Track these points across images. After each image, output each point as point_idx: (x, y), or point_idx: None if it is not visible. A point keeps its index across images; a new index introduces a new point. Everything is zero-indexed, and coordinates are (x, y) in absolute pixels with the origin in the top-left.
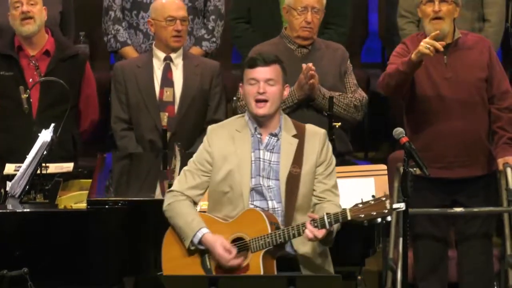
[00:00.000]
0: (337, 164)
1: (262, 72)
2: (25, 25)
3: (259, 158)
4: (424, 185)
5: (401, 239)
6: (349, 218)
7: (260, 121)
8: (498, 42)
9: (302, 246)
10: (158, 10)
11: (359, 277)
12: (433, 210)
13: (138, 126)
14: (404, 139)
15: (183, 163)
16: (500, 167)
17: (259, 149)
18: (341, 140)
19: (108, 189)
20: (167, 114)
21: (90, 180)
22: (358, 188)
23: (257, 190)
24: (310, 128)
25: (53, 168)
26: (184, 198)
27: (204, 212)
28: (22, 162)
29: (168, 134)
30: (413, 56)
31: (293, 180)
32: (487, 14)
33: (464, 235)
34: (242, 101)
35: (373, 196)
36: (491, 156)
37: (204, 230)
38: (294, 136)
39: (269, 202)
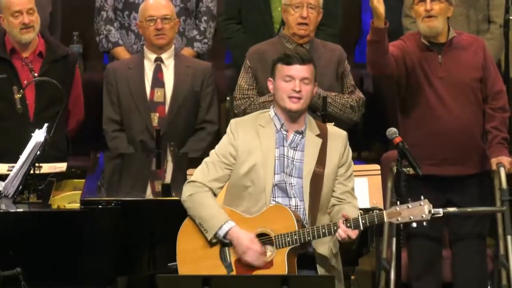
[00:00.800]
0: None
1: (298, 70)
2: (25, 34)
3: (284, 155)
4: (418, 184)
5: (394, 239)
6: (385, 220)
7: (290, 117)
8: (503, 44)
9: (320, 246)
10: (141, 12)
11: (352, 277)
12: None
13: (129, 127)
14: (398, 139)
15: (175, 164)
16: (494, 167)
17: (283, 146)
18: None
19: (101, 189)
20: (157, 114)
21: (83, 180)
22: None
23: (280, 187)
24: (332, 129)
25: (46, 168)
26: (206, 190)
27: None
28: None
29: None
30: (374, 20)
31: (317, 180)
32: (493, 16)
33: (458, 235)
34: (270, 96)
35: (409, 199)
36: (484, 155)
37: (231, 223)
38: (318, 135)
39: (292, 200)
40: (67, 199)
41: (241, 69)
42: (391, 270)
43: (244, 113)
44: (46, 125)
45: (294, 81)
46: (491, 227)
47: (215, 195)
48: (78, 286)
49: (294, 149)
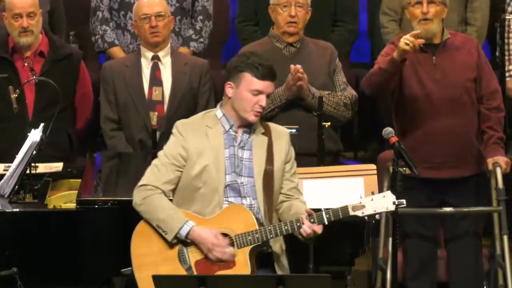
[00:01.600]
0: (327, 164)
1: (268, 87)
2: (23, 37)
3: (234, 155)
4: (414, 184)
5: (390, 239)
6: (350, 213)
7: (245, 122)
8: (480, 46)
9: (274, 243)
10: (135, 11)
11: (348, 277)
12: (423, 210)
13: (127, 126)
14: (394, 139)
15: None
16: (490, 167)
17: (234, 146)
18: (331, 140)
19: (97, 189)
20: (156, 113)
21: (80, 180)
22: (347, 188)
23: (232, 187)
24: (274, 126)
25: (42, 168)
26: (160, 192)
27: None
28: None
29: (158, 134)
30: (395, 54)
31: (268, 177)
32: (470, 18)
33: (453, 235)
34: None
35: (372, 192)
36: (480, 156)
37: (192, 223)
38: (263, 134)
39: (246, 199)
40: (63, 199)
41: None
42: (387, 270)
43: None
44: (42, 125)
45: (261, 96)
46: (487, 227)
47: (167, 197)
48: (74, 286)
49: (242, 149)
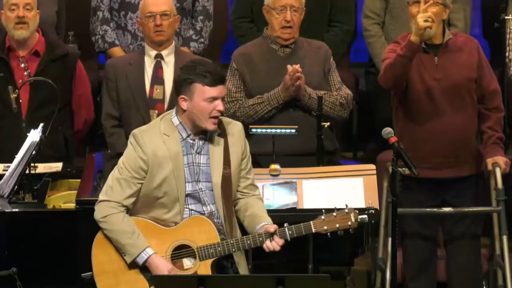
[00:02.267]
0: (326, 164)
1: (221, 90)
2: (18, 29)
3: (192, 162)
4: (413, 185)
5: (390, 239)
6: (313, 230)
7: (203, 130)
8: None
9: (236, 253)
10: (140, 9)
11: (348, 277)
12: (422, 210)
13: (128, 123)
14: (393, 139)
15: None
16: (489, 167)
17: (192, 154)
18: (327, 139)
19: (97, 189)
20: (156, 111)
21: (79, 180)
22: (346, 188)
23: (193, 196)
24: (226, 121)
25: (42, 168)
26: (122, 210)
27: None
28: (11, 162)
29: None
30: (412, 37)
31: (226, 182)
32: (453, 19)
33: (452, 235)
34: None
35: (336, 208)
36: (480, 156)
37: (150, 251)
38: (219, 135)
39: (208, 206)
40: (63, 199)
41: (227, 73)
42: (387, 270)
43: (233, 116)
44: (41, 124)
45: (217, 101)
46: (487, 227)
47: (128, 210)
48: (73, 286)
49: (199, 154)
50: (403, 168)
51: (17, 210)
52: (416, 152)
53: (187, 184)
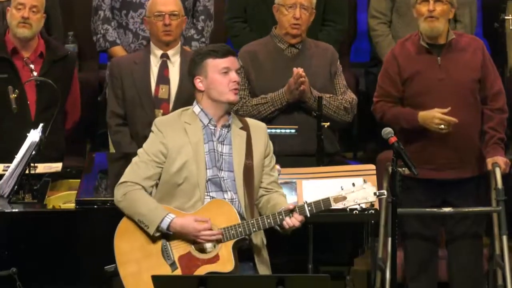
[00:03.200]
0: (326, 164)
1: (233, 61)
2: (21, 28)
3: (213, 149)
4: (414, 185)
5: (390, 239)
6: (332, 205)
7: (223, 111)
8: None
9: (255, 237)
10: (149, 7)
11: (347, 277)
12: (422, 210)
13: (133, 122)
14: (393, 139)
15: None
16: (489, 167)
17: (212, 141)
18: (329, 141)
19: (97, 189)
20: (162, 111)
21: (79, 180)
22: None
23: (214, 181)
24: (252, 121)
25: (42, 168)
26: (139, 188)
27: None
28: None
29: None
30: (420, 120)
31: (248, 172)
32: (459, 15)
33: (453, 235)
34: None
35: (353, 184)
36: (482, 157)
37: (172, 215)
38: (241, 128)
39: (227, 193)
40: (62, 199)
41: None
42: (387, 270)
43: (236, 114)
44: (41, 125)
45: (231, 73)
46: (487, 227)
47: (148, 193)
48: (73, 286)
49: (221, 143)
50: (403, 168)
51: (17, 210)
52: (419, 153)
53: (208, 170)
